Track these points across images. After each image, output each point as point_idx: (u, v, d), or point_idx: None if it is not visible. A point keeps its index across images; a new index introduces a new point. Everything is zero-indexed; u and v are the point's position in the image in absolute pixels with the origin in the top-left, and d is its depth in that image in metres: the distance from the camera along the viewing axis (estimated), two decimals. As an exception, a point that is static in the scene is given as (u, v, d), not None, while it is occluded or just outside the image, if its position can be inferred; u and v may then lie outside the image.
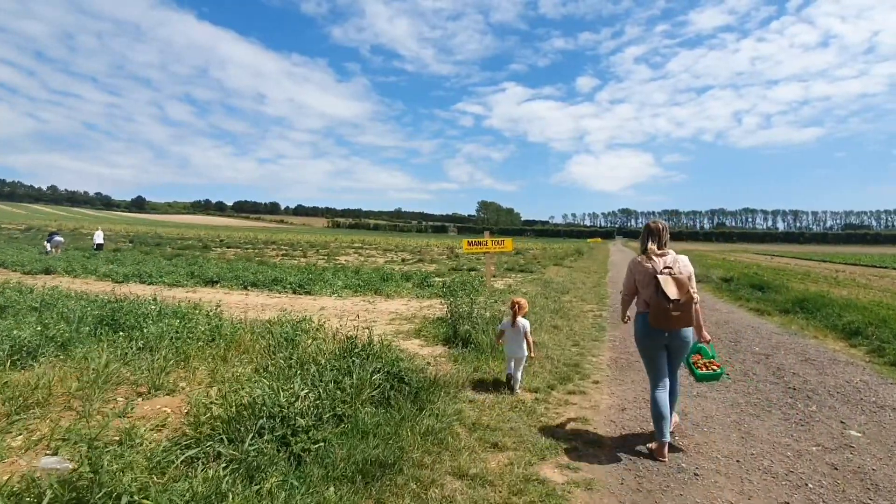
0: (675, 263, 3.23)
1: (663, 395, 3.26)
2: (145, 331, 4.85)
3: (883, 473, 2.99)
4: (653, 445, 3.24)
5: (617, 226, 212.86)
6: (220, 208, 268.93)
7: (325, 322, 5.69)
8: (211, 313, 5.92)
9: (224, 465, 2.41)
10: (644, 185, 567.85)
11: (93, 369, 3.83)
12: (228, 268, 15.19)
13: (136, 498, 2.08)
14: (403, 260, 24.21)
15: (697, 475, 2.94)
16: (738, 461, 3.13)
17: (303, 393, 3.11)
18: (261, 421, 2.75)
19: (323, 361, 3.80)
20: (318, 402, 3.09)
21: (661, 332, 3.22)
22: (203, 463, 2.47)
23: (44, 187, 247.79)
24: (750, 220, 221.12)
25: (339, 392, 3.30)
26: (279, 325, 5.29)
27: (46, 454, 2.75)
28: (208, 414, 2.84)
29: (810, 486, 2.83)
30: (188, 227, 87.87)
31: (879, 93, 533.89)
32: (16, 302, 6.60)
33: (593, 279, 16.03)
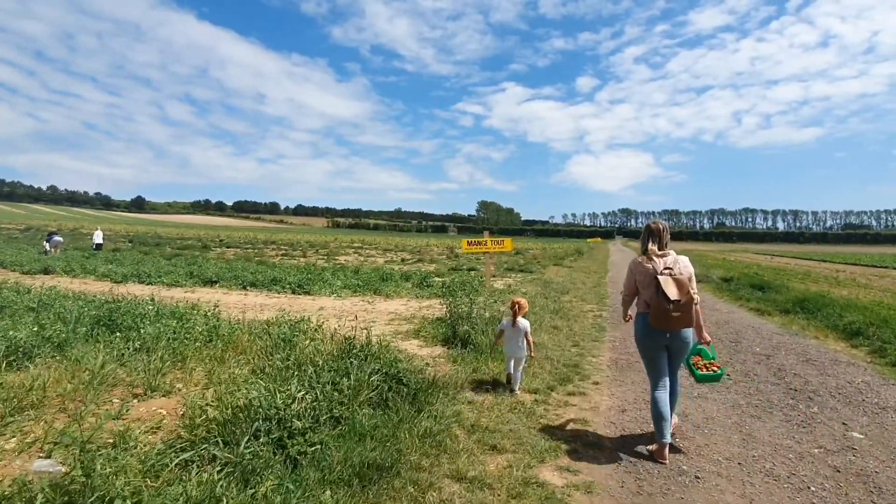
0: (676, 264, 3.22)
1: (663, 396, 3.24)
2: (142, 331, 4.82)
3: (886, 476, 2.95)
4: (653, 447, 3.21)
5: (617, 226, 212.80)
6: (219, 208, 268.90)
7: (323, 322, 5.65)
8: (209, 314, 5.89)
9: (219, 468, 2.38)
10: (644, 185, 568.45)
11: (88, 370, 3.80)
12: (227, 268, 15.15)
13: (128, 502, 2.05)
14: (403, 260, 24.18)
15: (698, 478, 2.91)
16: (739, 463, 3.10)
17: (299, 395, 3.08)
18: (257, 423, 2.72)
19: (320, 362, 3.77)
20: (314, 403, 3.06)
21: (662, 333, 3.20)
22: (198, 466, 2.43)
23: (43, 187, 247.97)
24: (750, 220, 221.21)
25: (336, 394, 3.27)
26: (277, 325, 5.26)
27: (40, 457, 2.72)
28: (204, 416, 2.81)
29: (813, 488, 2.80)
30: (188, 227, 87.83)
31: (879, 93, 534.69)
32: (13, 302, 6.57)
33: (593, 279, 16.00)
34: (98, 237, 22.96)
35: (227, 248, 30.78)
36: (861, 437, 3.56)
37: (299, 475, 2.45)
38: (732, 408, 4.13)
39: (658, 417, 3.18)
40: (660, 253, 3.27)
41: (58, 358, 4.25)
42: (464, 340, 5.62)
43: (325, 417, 3.02)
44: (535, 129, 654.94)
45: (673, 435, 3.35)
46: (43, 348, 4.41)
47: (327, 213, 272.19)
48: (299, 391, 3.13)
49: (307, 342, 4.53)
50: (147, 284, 11.79)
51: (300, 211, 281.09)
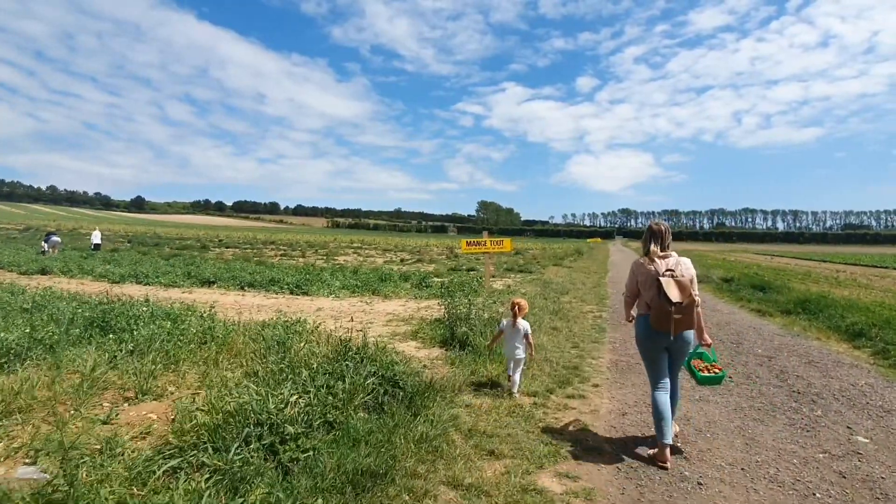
0: (678, 266, 3.18)
1: (664, 396, 3.20)
2: (135, 333, 4.74)
3: (893, 482, 2.89)
4: (654, 451, 3.14)
5: (617, 226, 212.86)
6: (219, 208, 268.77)
7: (320, 324, 5.58)
8: (204, 315, 5.82)
9: (207, 475, 2.30)
10: (644, 185, 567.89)
11: (79, 373, 3.73)
12: (226, 268, 15.08)
13: (112, 512, 1.98)
14: (402, 260, 24.11)
15: (701, 484, 2.84)
16: (742, 469, 3.03)
17: (293, 399, 3.01)
18: (248, 429, 2.65)
19: (315, 365, 3.70)
20: (308, 408, 2.99)
21: (663, 335, 3.16)
22: (186, 474, 2.36)
23: (43, 187, 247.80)
24: (750, 220, 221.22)
25: (330, 397, 3.19)
26: (271, 327, 5.19)
27: (25, 463, 2.65)
28: (193, 421, 2.73)
29: (818, 495, 2.73)
30: (187, 228, 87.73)
31: (879, 93, 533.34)
32: (7, 303, 6.50)
33: (593, 279, 15.93)
34: (96, 237, 22.87)
35: (226, 248, 30.70)
36: (866, 441, 3.49)
37: (290, 483, 2.38)
38: (735, 411, 4.06)
39: (658, 418, 3.13)
40: (662, 254, 3.23)
41: (49, 360, 4.18)
42: (462, 342, 5.55)
43: (318, 422, 2.94)
44: (535, 129, 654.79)
45: (675, 437, 3.30)
46: (34, 350, 4.34)
47: (327, 213, 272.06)
48: (292, 395, 3.06)
49: (302, 344, 4.45)
50: (144, 285, 11.71)
51: (300, 211, 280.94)
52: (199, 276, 12.93)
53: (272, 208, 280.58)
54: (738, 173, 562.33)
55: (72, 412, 3.18)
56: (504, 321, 4.43)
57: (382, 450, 2.79)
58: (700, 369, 3.50)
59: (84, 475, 2.23)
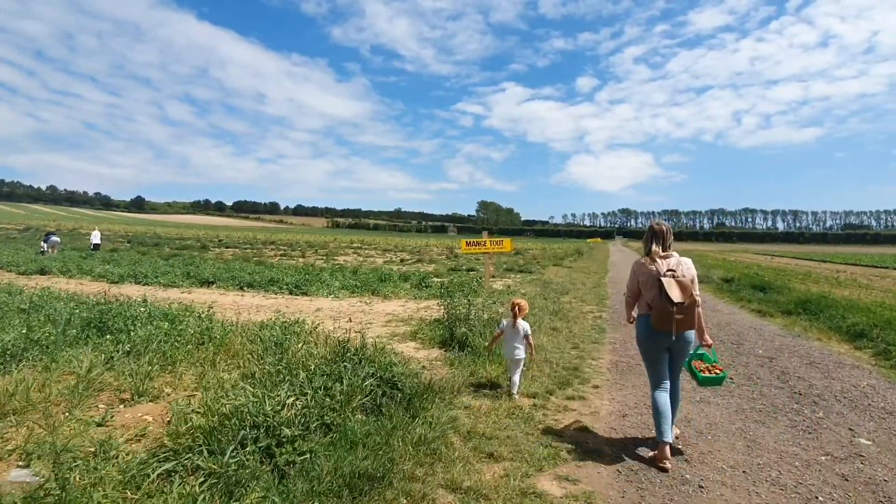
0: (679, 266, 3.16)
1: (664, 396, 3.19)
2: (133, 334, 4.71)
3: (895, 484, 2.86)
4: (654, 453, 3.12)
5: (617, 226, 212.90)
6: (219, 208, 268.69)
7: (319, 324, 5.55)
8: (202, 315, 5.79)
9: (202, 479, 2.27)
10: (644, 185, 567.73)
11: (75, 374, 3.70)
12: (225, 268, 15.04)
13: (105, 516, 1.95)
14: (402, 260, 24.08)
15: (702, 487, 2.80)
16: (744, 472, 3.00)
17: (290, 400, 2.98)
18: (244, 431, 2.61)
19: (313, 367, 3.66)
20: (305, 410, 2.95)
21: (664, 335, 3.14)
22: (181, 477, 2.33)
23: (43, 187, 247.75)
24: (750, 220, 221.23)
25: (328, 399, 3.16)
26: (270, 328, 5.15)
27: (18, 466, 2.62)
28: (189, 423, 2.70)
29: (820, 498, 2.70)
30: (187, 227, 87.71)
31: (879, 93, 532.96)
32: (4, 303, 6.46)
33: (593, 280, 15.90)
34: (96, 237, 22.83)
35: (226, 248, 30.66)
36: (868, 443, 3.46)
37: (286, 486, 2.35)
38: (736, 413, 4.03)
39: (659, 417, 3.11)
40: (663, 254, 3.21)
41: (45, 361, 4.15)
42: (461, 343, 5.52)
43: (315, 424, 2.91)
44: (535, 129, 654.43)
45: (676, 439, 3.28)
46: (30, 351, 4.31)
47: (327, 213, 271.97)
48: (289, 397, 3.03)
49: (300, 345, 4.42)
50: (143, 285, 11.68)
51: (300, 211, 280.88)
52: (198, 276, 12.89)
53: (272, 208, 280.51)
54: (738, 173, 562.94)
55: (66, 414, 3.15)
56: (504, 322, 4.40)
57: (380, 452, 2.76)
58: (701, 370, 3.48)
59: (77, 478, 2.20)
